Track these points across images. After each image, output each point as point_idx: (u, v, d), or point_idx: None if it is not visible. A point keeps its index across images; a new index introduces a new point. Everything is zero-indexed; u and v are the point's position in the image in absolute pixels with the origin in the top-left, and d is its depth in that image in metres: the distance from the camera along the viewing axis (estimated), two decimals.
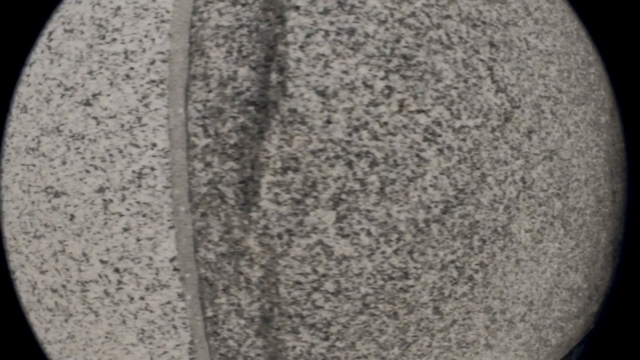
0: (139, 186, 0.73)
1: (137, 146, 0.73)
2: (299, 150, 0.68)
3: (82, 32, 0.79)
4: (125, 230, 0.74)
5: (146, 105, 0.73)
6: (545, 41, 0.87)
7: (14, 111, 0.85)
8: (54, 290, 0.83)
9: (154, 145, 0.72)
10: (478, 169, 0.76)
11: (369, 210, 0.71)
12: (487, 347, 0.83)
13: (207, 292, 0.74)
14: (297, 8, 0.71)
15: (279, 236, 0.70)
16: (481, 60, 0.78)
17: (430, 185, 0.73)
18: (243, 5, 0.73)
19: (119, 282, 0.76)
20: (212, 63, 0.72)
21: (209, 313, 0.75)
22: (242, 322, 0.75)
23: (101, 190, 0.75)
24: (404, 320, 0.76)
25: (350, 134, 0.69)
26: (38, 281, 0.85)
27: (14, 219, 0.85)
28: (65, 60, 0.79)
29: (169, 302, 0.75)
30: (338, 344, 0.75)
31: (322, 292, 0.72)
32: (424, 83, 0.73)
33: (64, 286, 0.82)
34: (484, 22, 0.80)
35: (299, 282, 0.71)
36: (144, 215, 0.73)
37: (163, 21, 0.74)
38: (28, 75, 0.84)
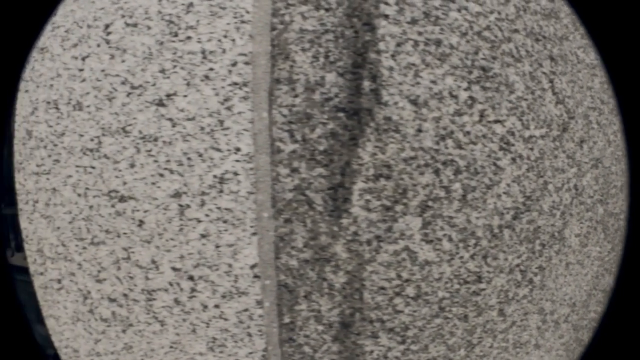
0: (221, 191, 0.70)
1: (219, 150, 0.70)
2: (392, 157, 0.69)
3: (149, 28, 0.75)
4: (204, 236, 0.72)
5: (229, 108, 0.70)
6: (589, 55, 0.93)
7: (63, 107, 0.79)
8: (112, 300, 0.79)
9: (238, 149, 0.70)
10: (542, 176, 0.80)
11: (451, 217, 0.73)
12: (536, 347, 0.88)
13: (285, 299, 0.74)
14: (387, 17, 0.71)
15: (368, 242, 0.70)
16: (544, 73, 0.82)
17: (504, 193, 0.76)
18: (327, 10, 0.73)
19: (193, 290, 0.74)
20: (298, 67, 0.71)
21: (286, 320, 0.75)
22: (320, 328, 0.75)
23: (177, 195, 0.72)
24: (472, 322, 0.79)
25: (437, 143, 0.71)
26: (92, 290, 0.80)
27: (64, 224, 0.79)
28: (130, 56, 0.75)
29: (246, 310, 0.74)
30: (412, 347, 0.77)
31: (403, 296, 0.74)
32: (499, 94, 0.76)
33: (125, 295, 0.77)
34: (544, 37, 0.84)
35: (383, 288, 0.73)
36: (224, 222, 0.71)
37: (243, 22, 0.72)
38: (82, 70, 0.78)
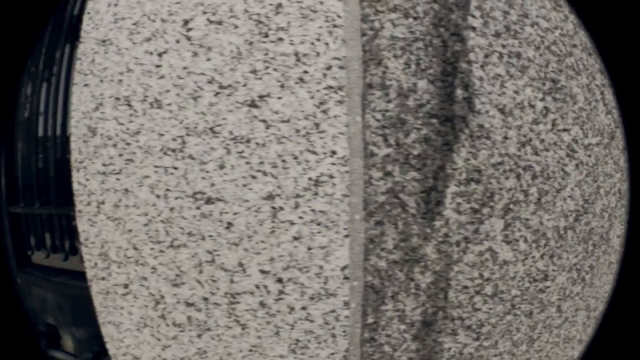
0: (316, 194, 0.71)
1: (314, 153, 0.70)
2: (483, 163, 0.72)
3: (236, 27, 0.73)
4: (296, 239, 0.71)
5: (325, 112, 0.70)
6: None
7: (137, 105, 0.76)
8: (190, 304, 0.76)
9: (334, 152, 0.70)
10: (596, 181, 0.87)
11: (527, 219, 0.77)
12: (579, 342, 0.95)
13: (371, 300, 0.75)
14: (474, 29, 0.74)
15: (457, 244, 0.73)
16: (597, 85, 0.89)
17: (569, 196, 0.82)
18: (415, 18, 0.75)
19: (280, 292, 0.73)
20: (391, 73, 0.72)
21: (370, 320, 0.76)
22: (403, 327, 0.77)
23: (270, 197, 0.71)
24: (535, 318, 0.84)
25: (519, 149, 0.75)
26: (167, 295, 0.77)
27: (137, 227, 0.76)
28: (217, 55, 0.73)
29: (333, 311, 0.74)
30: (485, 343, 0.81)
31: (482, 295, 0.77)
32: (566, 105, 0.81)
33: (205, 299, 0.75)
34: (594, 52, 0.91)
35: (466, 287, 0.76)
36: (318, 224, 0.71)
37: (335, 26, 0.72)
38: (159, 66, 0.75)
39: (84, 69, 0.82)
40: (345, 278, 0.73)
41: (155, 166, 0.74)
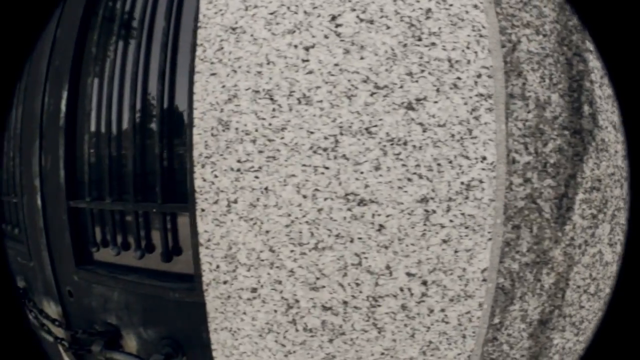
0: (466, 198, 0.72)
1: (467, 158, 0.72)
2: (603, 173, 0.79)
3: (388, 27, 0.73)
4: (445, 242, 0.72)
5: (476, 118, 0.73)
6: None
7: (281, 99, 0.72)
8: (327, 308, 0.74)
9: (484, 158, 0.73)
10: None
11: (623, 224, 0.86)
12: None
13: (500, 300, 0.78)
14: (591, 52, 0.81)
15: (579, 246, 0.79)
16: None
17: None
18: (544, 35, 0.80)
19: (423, 294, 0.74)
20: (530, 85, 0.77)
21: (496, 320, 0.79)
22: (523, 326, 0.81)
23: (424, 200, 0.71)
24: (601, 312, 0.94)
25: (622, 162, 0.83)
26: (303, 299, 0.73)
27: (278, 228, 0.71)
28: (371, 54, 0.72)
29: (468, 312, 0.76)
30: (580, 338, 0.88)
31: (587, 293, 0.84)
32: None
33: (345, 302, 0.73)
34: None
35: (579, 286, 0.82)
36: (466, 227, 0.73)
37: (481, 36, 0.75)
38: (306, 61, 0.72)
39: (209, 56, 0.76)
40: (484, 280, 0.76)
41: (303, 165, 0.71)
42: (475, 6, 0.75)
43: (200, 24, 0.78)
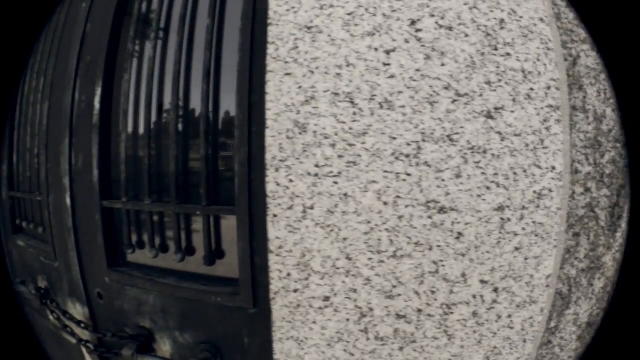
0: (537, 207, 0.74)
1: (539, 167, 0.73)
2: None
3: (467, 35, 0.72)
4: (517, 249, 0.74)
5: (547, 129, 0.74)
6: None
7: (362, 103, 0.69)
8: (401, 316, 0.72)
9: (554, 168, 0.74)
10: None
11: None
12: None
13: (557, 305, 0.81)
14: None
15: (622, 252, 0.83)
16: None
17: None
18: (597, 52, 0.83)
19: (494, 301, 0.75)
20: (589, 99, 0.80)
21: (552, 324, 0.82)
22: (574, 329, 0.84)
23: (500, 208, 0.72)
24: None
25: None
26: (377, 307, 0.72)
27: (356, 235, 0.69)
28: (451, 61, 0.71)
29: (531, 317, 0.78)
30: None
31: (608, 293, 0.89)
32: None
33: (419, 310, 0.72)
34: None
35: (618, 290, 0.86)
36: (536, 235, 0.74)
37: (549, 49, 0.77)
38: (387, 65, 0.70)
39: (283, 55, 0.72)
40: (547, 286, 0.78)
41: (385, 171, 0.69)
42: (542, 19, 0.77)
43: (271, 21, 0.74)
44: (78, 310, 1.14)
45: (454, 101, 0.71)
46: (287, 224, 0.71)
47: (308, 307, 0.73)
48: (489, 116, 0.72)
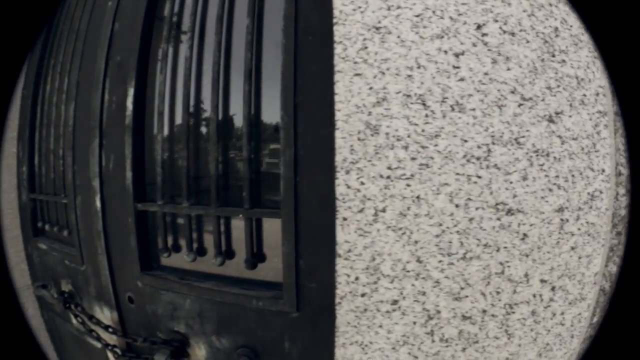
0: (590, 207, 0.77)
1: (592, 170, 0.77)
2: None
3: (528, 41, 0.74)
4: (572, 249, 0.76)
5: (598, 133, 0.77)
6: None
7: (434, 105, 0.69)
8: (466, 317, 0.73)
9: (603, 170, 0.78)
10: None
11: None
12: None
13: (600, 301, 0.85)
14: None
15: None
16: None
17: None
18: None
19: (550, 299, 0.77)
20: (625, 106, 0.84)
21: (594, 319, 0.85)
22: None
23: (560, 210, 0.74)
24: None
25: None
26: (445, 309, 0.72)
27: (427, 237, 0.69)
28: (516, 65, 0.73)
29: (579, 314, 0.81)
30: None
31: None
32: None
33: (484, 311, 0.73)
34: None
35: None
36: (588, 235, 0.77)
37: (595, 57, 0.80)
38: (457, 67, 0.70)
39: (352, 55, 0.71)
40: (594, 283, 0.81)
41: (457, 173, 0.69)
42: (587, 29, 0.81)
43: (337, 20, 0.72)
44: (105, 315, 1.07)
45: (519, 105, 0.72)
46: (358, 227, 0.70)
47: (375, 310, 0.72)
48: (551, 120, 0.74)
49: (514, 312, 0.75)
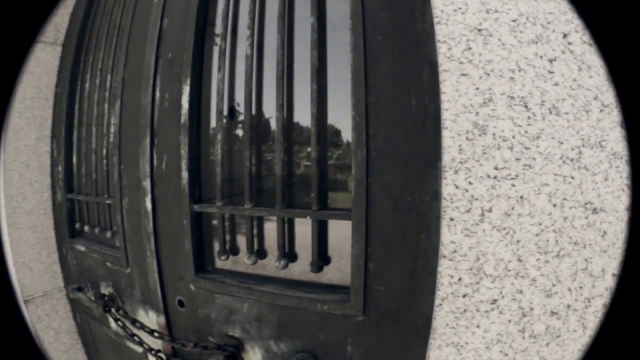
0: None
1: None
2: None
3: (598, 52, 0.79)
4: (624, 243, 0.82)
5: None
6: None
7: (535, 108, 0.71)
8: (554, 313, 0.75)
9: None
10: None
11: None
12: None
13: None
14: None
15: None
16: None
17: None
18: None
19: (614, 292, 0.82)
20: None
21: None
22: None
23: (628, 208, 0.79)
24: None
25: None
26: (537, 306, 0.74)
27: (528, 237, 0.70)
28: (595, 74, 0.77)
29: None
30: None
31: None
32: None
33: (568, 306, 0.76)
34: None
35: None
36: None
37: None
38: (551, 72, 0.73)
39: (457, 55, 0.70)
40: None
41: (555, 174, 0.72)
42: None
43: (439, 19, 0.72)
44: (151, 319, 0.96)
45: (601, 110, 0.77)
46: (464, 228, 0.70)
47: (475, 311, 0.72)
48: (622, 126, 0.80)
49: (590, 306, 0.80)
